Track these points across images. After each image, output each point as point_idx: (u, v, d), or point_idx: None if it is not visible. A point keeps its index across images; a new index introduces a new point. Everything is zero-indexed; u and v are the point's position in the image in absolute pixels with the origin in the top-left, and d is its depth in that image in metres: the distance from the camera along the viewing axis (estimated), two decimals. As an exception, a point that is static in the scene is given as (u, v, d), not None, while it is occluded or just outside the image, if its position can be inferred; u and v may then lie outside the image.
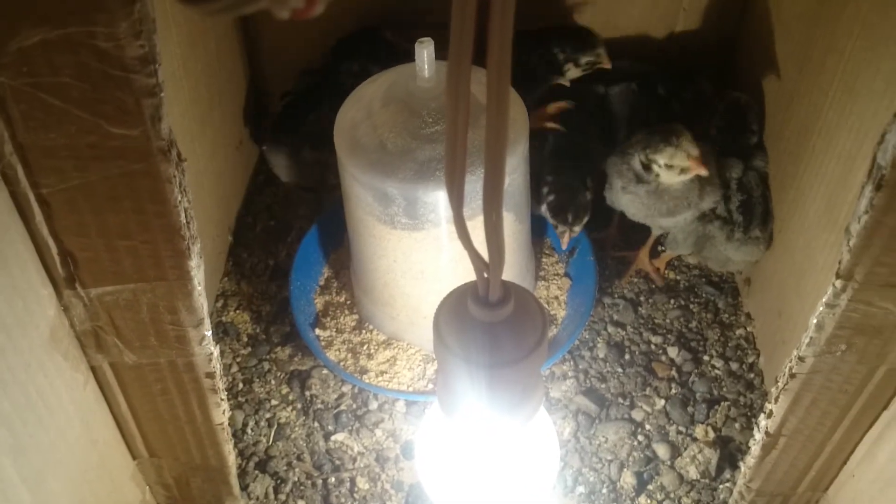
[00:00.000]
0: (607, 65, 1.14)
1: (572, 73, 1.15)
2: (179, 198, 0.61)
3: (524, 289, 0.69)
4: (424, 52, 0.87)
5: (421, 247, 0.95)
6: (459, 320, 0.65)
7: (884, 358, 0.71)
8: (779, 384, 0.77)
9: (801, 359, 0.72)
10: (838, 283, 0.65)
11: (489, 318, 0.63)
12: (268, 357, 1.12)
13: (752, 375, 1.10)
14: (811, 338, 0.70)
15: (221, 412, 0.81)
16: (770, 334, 1.10)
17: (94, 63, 0.52)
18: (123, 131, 0.56)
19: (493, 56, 0.49)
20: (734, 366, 1.11)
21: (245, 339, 1.14)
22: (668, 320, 1.15)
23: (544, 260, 1.18)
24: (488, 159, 0.54)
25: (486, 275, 0.62)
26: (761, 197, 1.08)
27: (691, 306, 1.17)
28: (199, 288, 0.68)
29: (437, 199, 0.89)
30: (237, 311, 1.17)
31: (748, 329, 1.14)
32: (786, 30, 1.07)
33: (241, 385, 1.10)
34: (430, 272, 0.98)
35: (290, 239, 1.24)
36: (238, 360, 1.12)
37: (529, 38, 1.13)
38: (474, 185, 0.81)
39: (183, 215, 0.62)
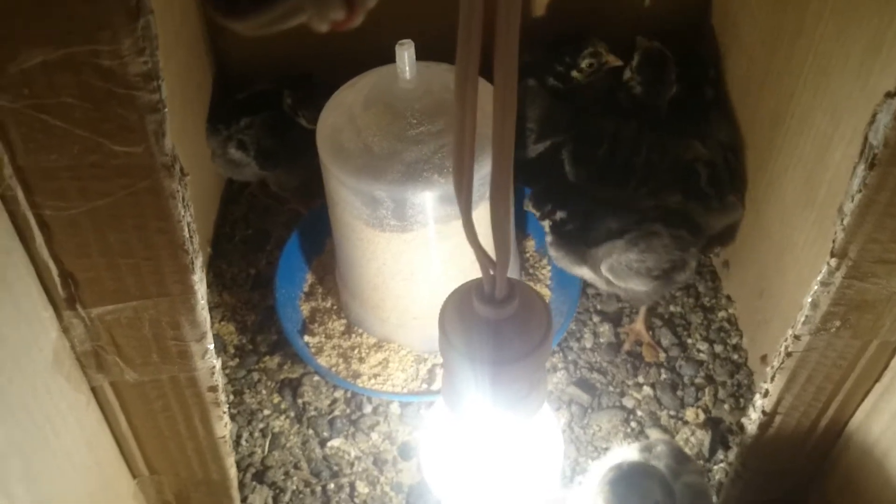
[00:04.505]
0: (615, 62, 1.16)
1: (581, 77, 1.18)
2: (183, 213, 0.60)
3: (527, 284, 0.70)
4: (405, 53, 0.87)
5: (410, 248, 0.95)
6: (465, 318, 0.66)
7: (877, 332, 0.73)
8: (774, 364, 0.79)
9: (796, 337, 0.74)
10: (833, 262, 0.67)
11: (496, 316, 0.64)
12: (256, 367, 1.12)
13: (736, 356, 1.12)
14: (807, 316, 0.72)
15: (223, 425, 0.81)
16: (751, 315, 1.12)
17: (96, 82, 0.51)
18: (127, 149, 0.55)
19: (500, 48, 0.49)
20: (718, 348, 1.13)
21: (232, 350, 1.14)
22: (651, 306, 1.16)
23: (527, 254, 1.18)
24: (496, 155, 0.54)
25: (491, 272, 0.63)
26: (724, 164, 1.10)
27: (673, 291, 1.18)
28: (203, 301, 0.68)
29: (426, 199, 0.89)
30: (222, 323, 1.16)
31: (729, 311, 1.16)
32: (752, 15, 1.09)
33: (231, 397, 1.09)
34: (419, 273, 0.98)
35: (270, 247, 1.24)
36: (226, 371, 1.11)
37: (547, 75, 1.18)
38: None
39: (186, 230, 0.62)
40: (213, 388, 0.76)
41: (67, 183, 0.57)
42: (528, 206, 1.08)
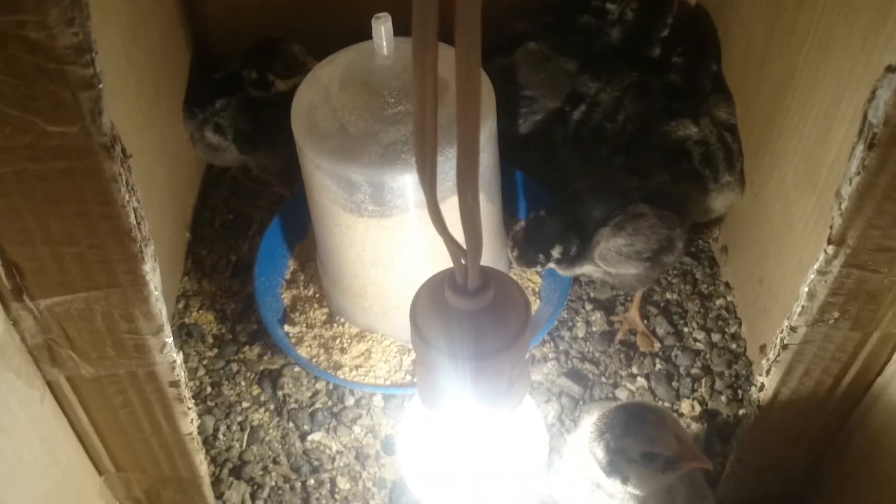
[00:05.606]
0: None
1: (614, 13, 1.18)
2: (127, 197, 0.56)
3: (503, 273, 0.66)
4: (382, 28, 0.83)
5: (390, 234, 0.91)
6: (438, 311, 0.62)
7: (878, 323, 0.68)
8: (770, 356, 0.75)
9: (792, 329, 0.70)
10: (830, 249, 0.63)
11: (469, 307, 0.60)
12: (236, 357, 1.08)
13: (734, 346, 1.07)
14: (803, 307, 0.68)
15: (189, 421, 0.77)
16: (751, 302, 1.07)
17: (24, 56, 0.48)
18: (61, 129, 0.51)
19: (461, 23, 0.45)
20: (716, 337, 1.08)
21: (210, 339, 1.10)
22: (646, 294, 1.12)
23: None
24: (461, 136, 0.50)
25: (463, 261, 0.59)
26: (719, 143, 1.06)
27: (669, 278, 1.14)
28: (157, 293, 0.64)
29: (405, 183, 0.85)
30: (200, 312, 1.12)
31: (728, 299, 1.12)
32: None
33: (209, 388, 1.05)
34: (400, 260, 0.94)
35: (252, 232, 1.20)
36: (204, 362, 1.07)
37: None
38: (443, 166, 0.77)
39: (132, 216, 0.58)
40: (175, 384, 0.72)
41: (1, 167, 0.53)
42: (518, 269, 1.04)
